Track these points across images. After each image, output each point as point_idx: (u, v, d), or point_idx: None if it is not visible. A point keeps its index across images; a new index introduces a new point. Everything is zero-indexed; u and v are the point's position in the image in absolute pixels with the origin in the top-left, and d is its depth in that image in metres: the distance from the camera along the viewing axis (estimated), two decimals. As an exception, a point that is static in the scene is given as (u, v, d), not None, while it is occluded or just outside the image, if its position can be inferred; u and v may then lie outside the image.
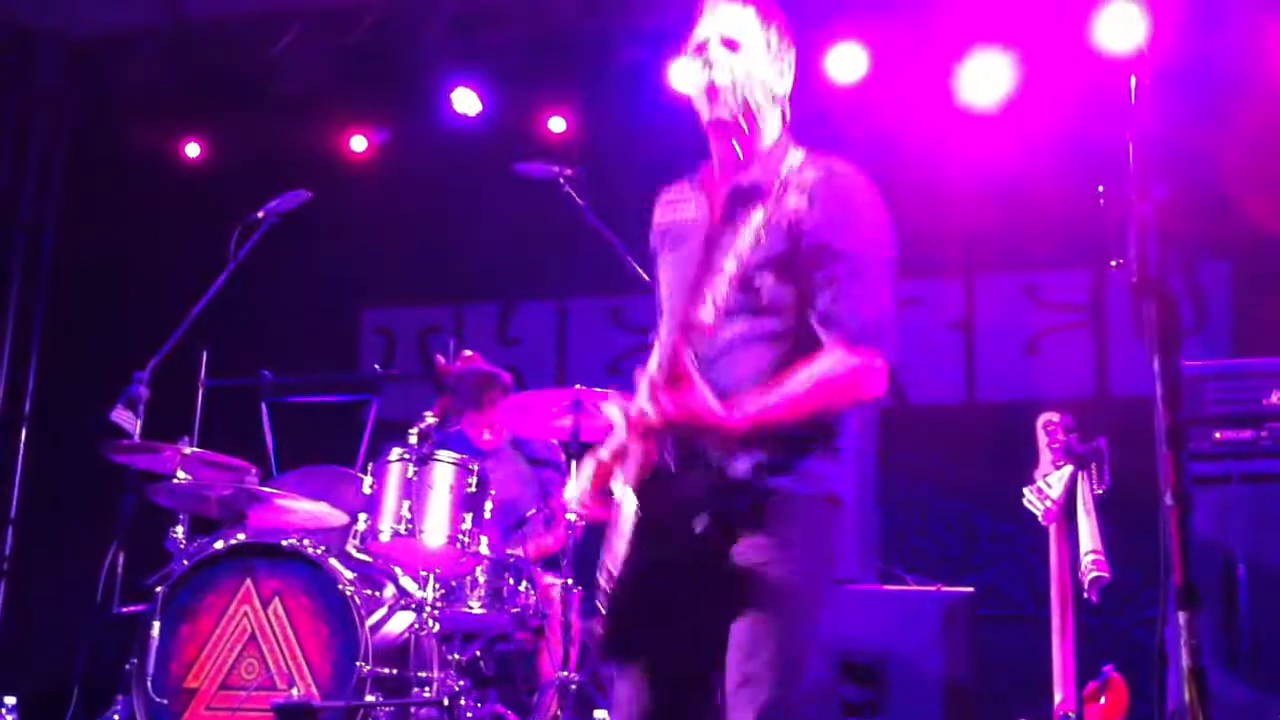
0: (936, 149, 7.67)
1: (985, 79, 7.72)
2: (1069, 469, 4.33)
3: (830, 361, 3.02)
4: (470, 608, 5.77)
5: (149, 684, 5.31)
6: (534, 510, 6.24)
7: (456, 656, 5.66)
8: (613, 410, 3.09)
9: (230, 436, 6.21)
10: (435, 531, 5.59)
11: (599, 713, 5.69)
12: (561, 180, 5.99)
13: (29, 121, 9.65)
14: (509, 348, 8.88)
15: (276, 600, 5.41)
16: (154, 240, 9.15)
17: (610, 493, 3.18)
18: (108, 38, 9.23)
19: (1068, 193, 6.34)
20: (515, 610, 5.78)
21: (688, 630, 3.09)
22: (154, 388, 6.01)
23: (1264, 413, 4.98)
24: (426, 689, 5.41)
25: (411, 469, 5.62)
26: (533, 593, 5.83)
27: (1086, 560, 4.15)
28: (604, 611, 3.18)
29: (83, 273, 9.50)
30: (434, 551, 5.60)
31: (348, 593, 5.32)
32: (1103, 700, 4.28)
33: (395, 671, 5.38)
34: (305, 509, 5.71)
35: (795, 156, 3.21)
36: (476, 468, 5.78)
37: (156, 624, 5.37)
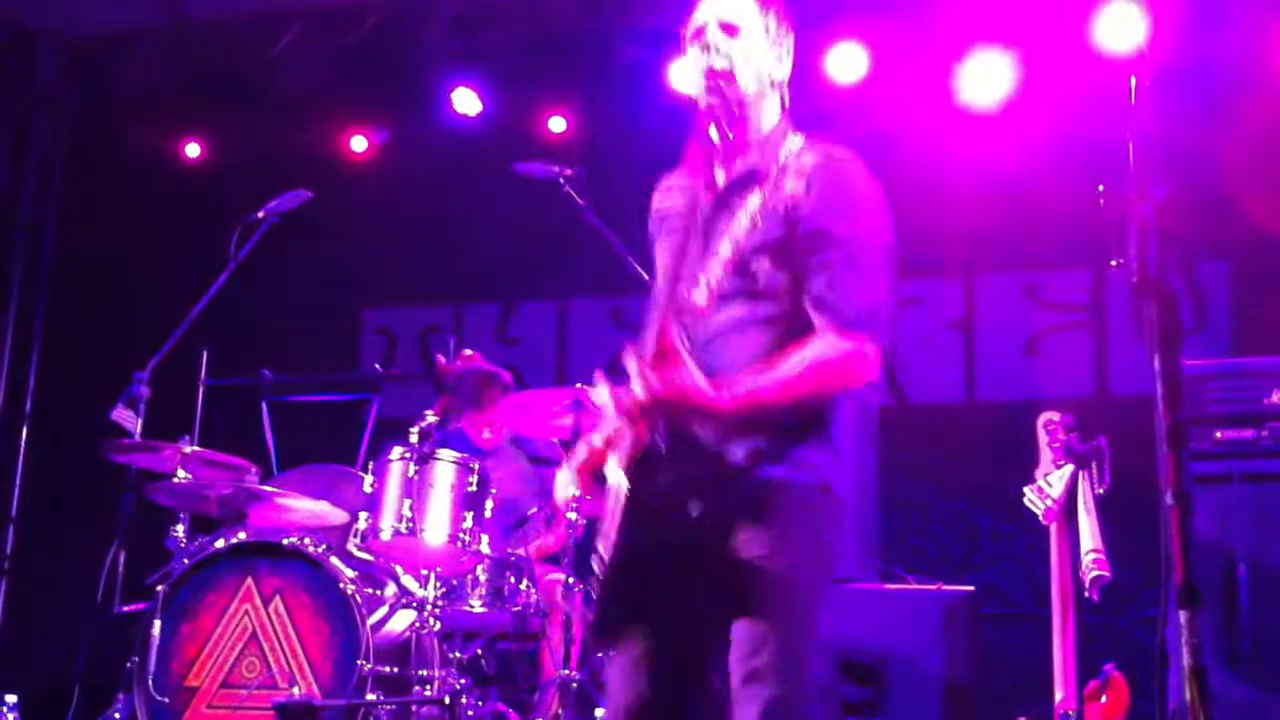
0: (937, 149, 7.67)
1: (985, 79, 7.72)
2: (1070, 468, 4.33)
3: (822, 346, 3.00)
4: (471, 606, 5.78)
5: (150, 683, 5.32)
6: (535, 509, 6.24)
7: (458, 655, 5.67)
8: (601, 391, 3.06)
9: (231, 436, 6.21)
10: (436, 530, 5.59)
11: (600, 711, 5.70)
12: (561, 180, 5.99)
13: (29, 121, 9.65)
14: (509, 347, 8.88)
15: (277, 599, 5.41)
16: (154, 240, 9.15)
17: (603, 478, 3.15)
18: (108, 38, 9.23)
19: (1068, 192, 6.34)
20: (516, 609, 5.78)
21: (681, 615, 3.08)
22: (154, 387, 6.02)
23: (1265, 412, 4.99)
24: (427, 687, 5.41)
25: (412, 468, 5.63)
26: (534, 591, 5.83)
27: (1087, 559, 4.15)
28: (595, 597, 3.16)
29: (83, 272, 9.50)
30: (435, 550, 5.61)
31: (349, 591, 5.32)
32: (1104, 699, 4.28)
33: (396, 670, 5.38)
34: (306, 508, 5.71)
35: (794, 142, 3.21)
36: (477, 466, 5.78)
37: (157, 623, 5.38)
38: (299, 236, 6.83)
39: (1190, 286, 7.41)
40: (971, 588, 5.91)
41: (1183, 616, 2.33)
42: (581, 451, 3.26)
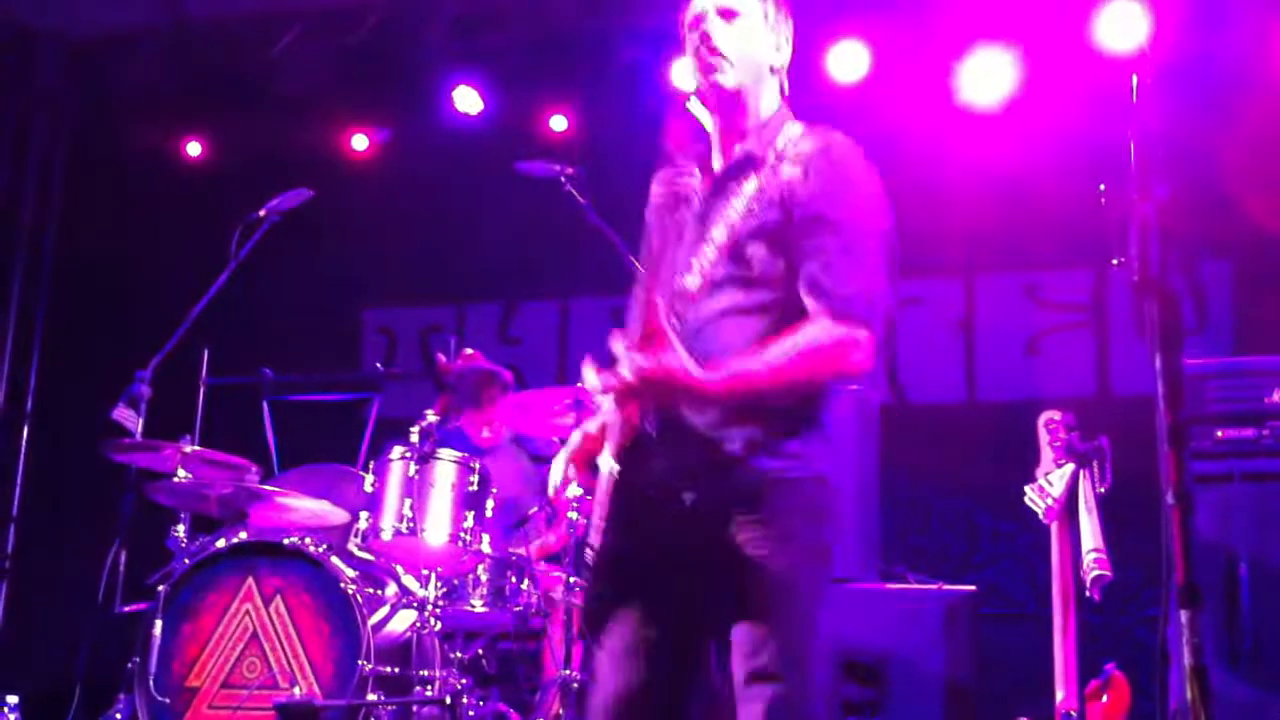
0: (938, 148, 7.67)
1: (987, 78, 7.72)
2: (1071, 467, 4.32)
3: (815, 331, 2.98)
4: (472, 606, 5.78)
5: (151, 683, 5.31)
6: (535, 508, 6.24)
7: (458, 655, 5.67)
8: (590, 375, 3.03)
9: (231, 435, 6.21)
10: (437, 530, 5.59)
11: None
12: (563, 179, 5.99)
13: (29, 121, 9.66)
14: (510, 347, 8.88)
15: (278, 599, 5.41)
16: (155, 239, 9.16)
17: (598, 467, 3.12)
18: (108, 38, 9.23)
19: (1069, 192, 6.34)
20: (517, 608, 5.78)
21: (672, 603, 3.06)
22: (155, 386, 6.02)
23: (1265, 411, 4.98)
24: (428, 687, 5.40)
25: (413, 467, 5.63)
26: (535, 591, 5.83)
27: (1088, 559, 4.14)
28: (587, 585, 3.14)
29: (84, 272, 9.50)
30: (436, 550, 5.61)
31: (350, 591, 5.32)
32: (1105, 699, 4.28)
33: (397, 670, 5.38)
34: (307, 507, 5.71)
35: (793, 129, 3.21)
36: (478, 466, 5.78)
37: (158, 623, 5.37)
38: (300, 236, 6.83)
39: (1191, 286, 7.40)
40: (973, 587, 5.90)
41: (1183, 616, 2.33)
42: (575, 439, 3.25)
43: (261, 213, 6.17)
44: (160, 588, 5.50)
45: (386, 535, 5.57)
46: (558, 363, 8.86)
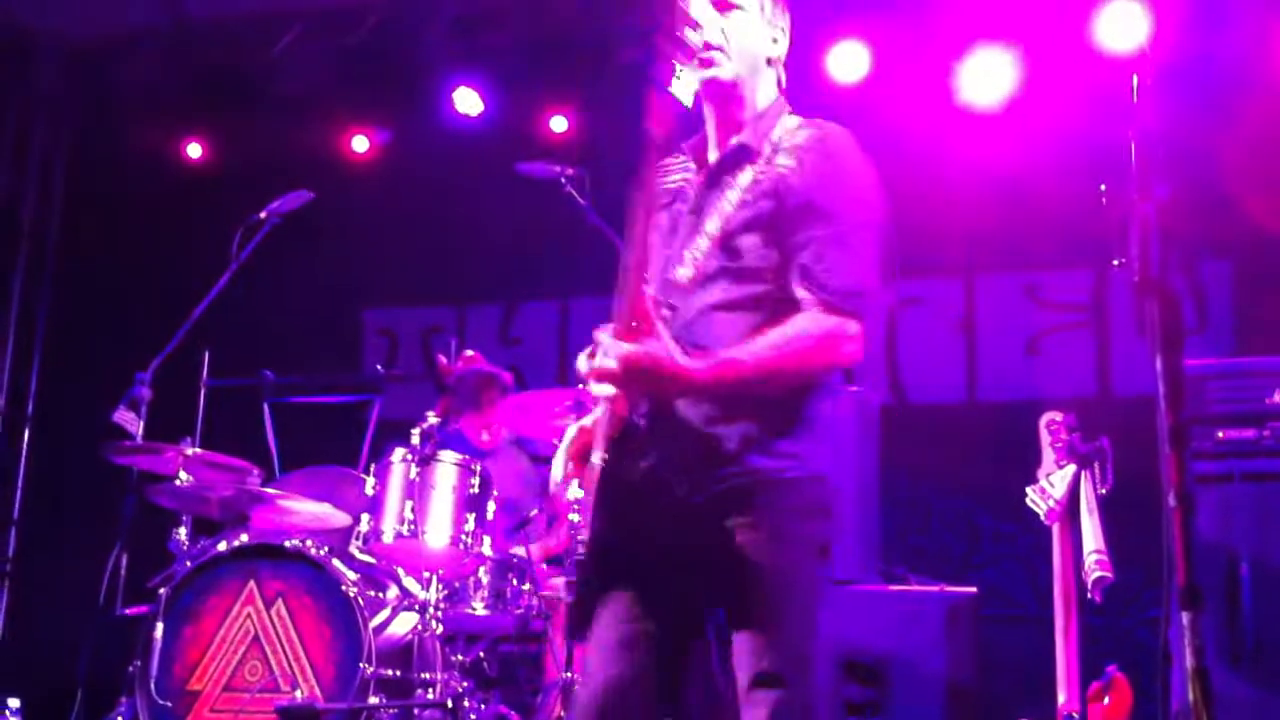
0: (938, 148, 7.66)
1: (987, 78, 7.71)
2: (1072, 468, 4.32)
3: (804, 321, 2.97)
4: (473, 609, 5.77)
5: (152, 686, 5.32)
6: (536, 510, 6.23)
7: (460, 658, 5.67)
8: (581, 363, 3.02)
9: (232, 437, 6.20)
10: (438, 532, 5.58)
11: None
12: (563, 180, 5.98)
13: (30, 123, 9.65)
14: (511, 348, 8.88)
15: (280, 602, 5.41)
16: (156, 241, 9.16)
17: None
18: (108, 39, 9.23)
19: (1069, 192, 6.33)
20: (518, 611, 5.78)
21: (663, 597, 3.04)
22: (156, 389, 6.01)
23: (1266, 412, 4.98)
24: (430, 690, 5.41)
25: (414, 469, 5.63)
26: (536, 594, 5.83)
27: (1090, 560, 4.13)
28: (577, 578, 3.10)
29: (85, 274, 9.50)
30: (437, 552, 5.60)
31: (351, 594, 5.31)
32: (1106, 701, 4.27)
33: (398, 673, 5.38)
34: (308, 510, 5.71)
35: (789, 120, 3.20)
36: (479, 468, 5.77)
37: (159, 626, 5.38)
38: (300, 237, 6.83)
39: (1192, 286, 7.40)
40: (973, 589, 5.90)
41: (1185, 618, 2.32)
42: (570, 433, 3.24)
43: (262, 214, 6.16)
44: (161, 590, 5.50)
45: (388, 538, 5.57)
46: (558, 363, 8.85)
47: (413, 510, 5.55)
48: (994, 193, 7.55)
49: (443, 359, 6.87)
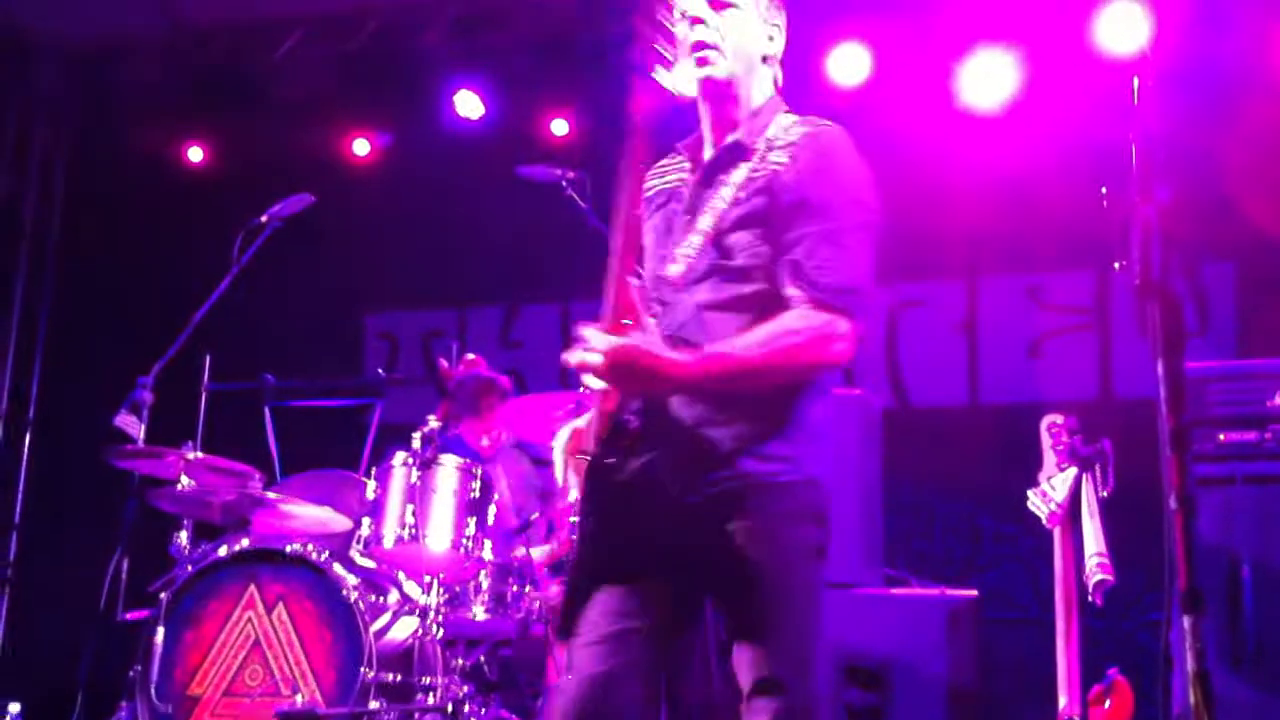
0: (939, 151, 7.65)
1: (988, 80, 7.71)
2: (1073, 471, 4.31)
3: (791, 318, 2.95)
4: (474, 613, 5.76)
5: (153, 691, 5.31)
6: (537, 514, 6.23)
7: (460, 662, 5.66)
8: (572, 356, 2.98)
9: (233, 441, 6.20)
10: (439, 536, 5.57)
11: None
12: (564, 183, 5.97)
13: (30, 127, 9.66)
14: (512, 351, 8.88)
15: (280, 606, 5.41)
16: (157, 245, 9.16)
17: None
18: (109, 43, 9.23)
19: (1071, 194, 6.33)
20: (519, 615, 5.77)
21: (654, 596, 3.01)
22: (157, 393, 5.99)
23: (1268, 414, 4.98)
24: (430, 695, 5.40)
25: (415, 474, 5.61)
26: (537, 598, 5.82)
27: (1091, 563, 4.13)
28: (568, 576, 3.10)
29: (86, 278, 9.50)
30: (437, 557, 5.59)
31: (352, 598, 5.31)
32: (1107, 704, 4.27)
33: (399, 677, 5.38)
34: (309, 514, 5.71)
35: (785, 118, 3.18)
36: (480, 472, 5.77)
37: (160, 630, 5.37)
38: (301, 241, 6.82)
39: (1194, 288, 7.38)
40: (974, 592, 5.89)
41: (1186, 621, 2.32)
42: (563, 435, 3.22)
43: (263, 218, 6.15)
44: (162, 595, 5.50)
45: (388, 542, 5.55)
46: (559, 366, 8.83)
47: (413, 514, 5.54)
48: (995, 195, 7.54)
49: (444, 363, 6.86)
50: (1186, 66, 6.70)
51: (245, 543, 5.63)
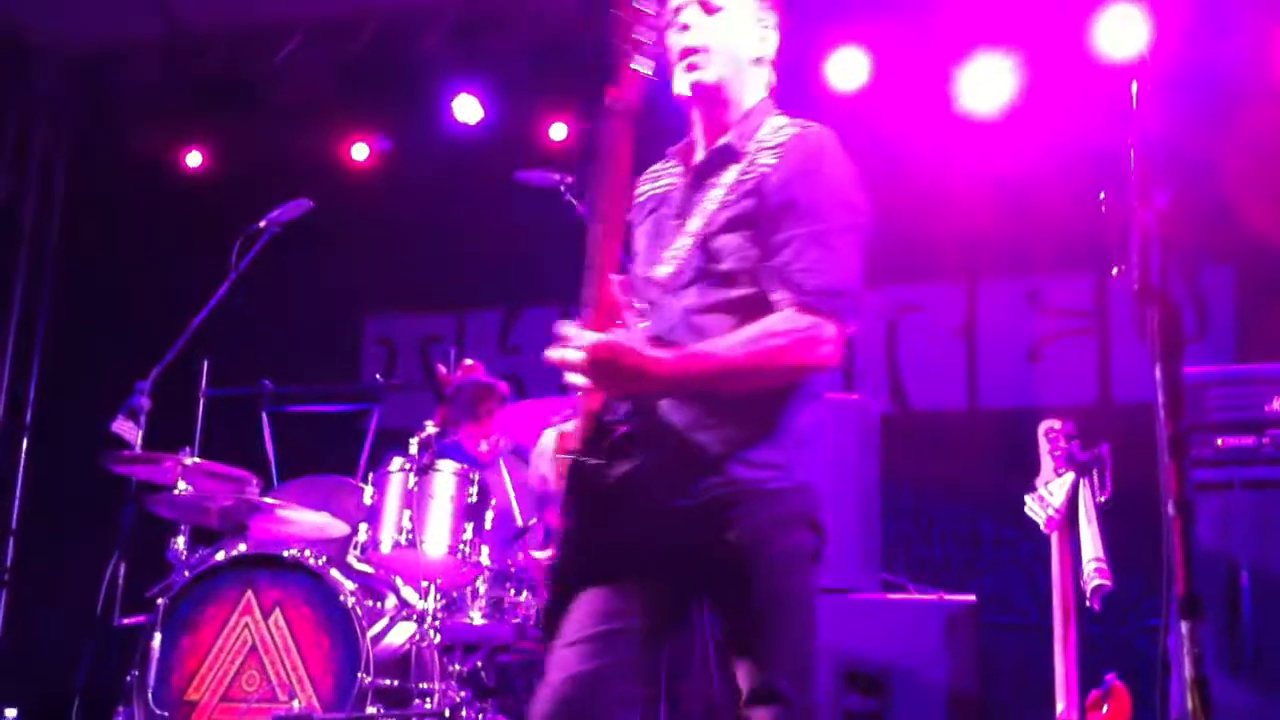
0: (938, 155, 7.65)
1: (987, 84, 7.70)
2: (1071, 476, 4.30)
3: (775, 319, 2.93)
4: (471, 618, 5.76)
5: (150, 696, 5.30)
6: (534, 519, 6.22)
7: (458, 667, 5.65)
8: (551, 354, 2.97)
9: (231, 446, 6.20)
10: (436, 542, 5.57)
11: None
12: (562, 188, 5.97)
13: (30, 131, 9.66)
14: (510, 356, 8.87)
15: (278, 611, 5.40)
16: (155, 249, 9.15)
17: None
18: (109, 47, 9.24)
19: (1070, 198, 6.32)
20: (516, 621, 5.76)
21: (646, 597, 2.98)
22: (155, 398, 5.99)
23: (1266, 419, 4.97)
24: (428, 700, 5.39)
25: (412, 479, 5.61)
26: (534, 603, 5.81)
27: (1089, 568, 4.12)
28: (550, 579, 3.07)
29: (84, 282, 9.50)
30: (435, 562, 5.59)
31: (349, 604, 5.30)
32: (1105, 709, 4.26)
33: (396, 683, 5.37)
34: (306, 519, 5.70)
35: (776, 120, 3.17)
36: (477, 477, 5.76)
37: (157, 635, 5.36)
38: (300, 246, 6.81)
39: (1193, 292, 7.38)
40: (973, 597, 5.89)
41: (1184, 626, 2.31)
42: (549, 436, 3.21)
43: (261, 223, 6.15)
44: (159, 600, 5.48)
45: (385, 547, 5.55)
46: (558, 371, 8.82)
47: (411, 520, 5.54)
48: (994, 199, 7.53)
49: (442, 368, 6.86)
50: (1185, 71, 6.70)
51: (243, 548, 5.62)
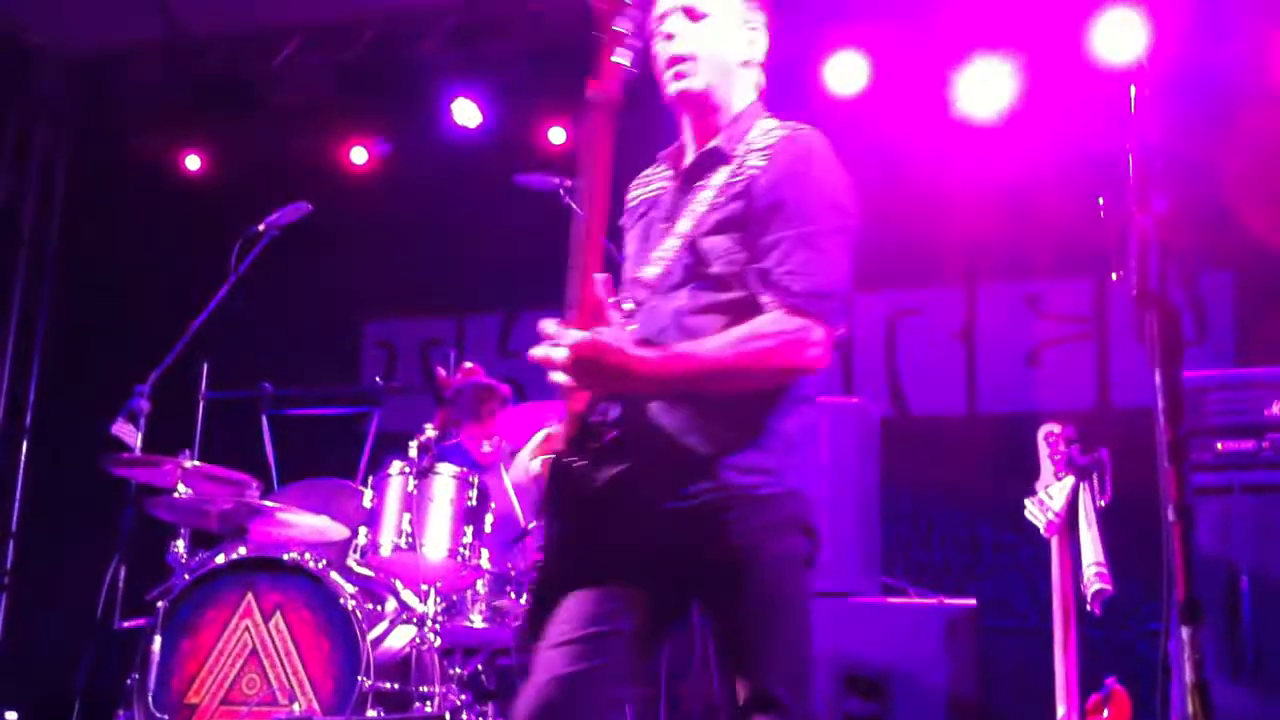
0: (937, 159, 7.65)
1: (985, 89, 7.71)
2: (1070, 480, 4.31)
3: (761, 321, 2.91)
4: (471, 622, 5.76)
5: (150, 699, 5.29)
6: (534, 523, 6.21)
7: (458, 671, 5.65)
8: (535, 352, 2.92)
9: (231, 450, 6.20)
10: (436, 545, 5.56)
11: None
12: (562, 191, 5.97)
13: (30, 135, 9.66)
14: (511, 359, 8.86)
15: (278, 615, 5.40)
16: (155, 253, 9.16)
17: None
18: (109, 48, 9.24)
19: (1069, 203, 6.32)
20: (516, 624, 5.76)
21: (630, 603, 2.94)
22: (155, 401, 5.99)
23: (1266, 423, 4.98)
24: (428, 703, 5.39)
25: (412, 482, 5.61)
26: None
27: (1089, 573, 4.12)
28: (533, 582, 3.05)
29: (84, 285, 9.50)
30: (435, 565, 5.59)
31: (349, 607, 5.30)
32: (1105, 713, 4.26)
33: (396, 686, 5.36)
34: (306, 523, 5.70)
35: (766, 123, 3.17)
36: (476, 480, 5.76)
37: (157, 639, 5.35)
38: (300, 249, 6.82)
39: (1192, 297, 7.38)
40: (973, 601, 5.89)
41: (1184, 631, 2.31)
42: (537, 438, 3.20)
43: (261, 227, 6.14)
44: (160, 603, 5.48)
45: (385, 550, 5.55)
46: (558, 372, 8.81)
47: (410, 523, 5.54)
48: (993, 204, 7.54)
49: (441, 371, 6.86)
50: (1184, 75, 6.70)
51: (242, 551, 5.62)
